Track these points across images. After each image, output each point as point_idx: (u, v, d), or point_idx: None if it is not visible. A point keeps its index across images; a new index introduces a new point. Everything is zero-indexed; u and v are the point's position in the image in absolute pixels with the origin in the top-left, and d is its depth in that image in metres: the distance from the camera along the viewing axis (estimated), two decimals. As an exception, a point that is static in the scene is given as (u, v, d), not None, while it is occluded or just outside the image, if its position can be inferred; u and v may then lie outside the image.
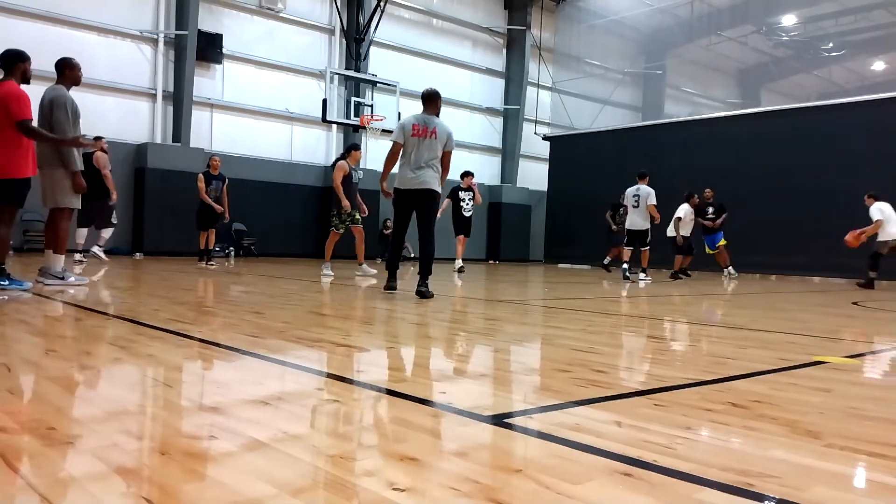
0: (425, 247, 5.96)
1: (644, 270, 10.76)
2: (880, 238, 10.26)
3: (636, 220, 10.45)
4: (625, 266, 10.78)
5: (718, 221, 12.45)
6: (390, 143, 5.96)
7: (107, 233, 10.19)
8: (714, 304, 6.89)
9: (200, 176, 10.33)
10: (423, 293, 5.72)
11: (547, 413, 1.92)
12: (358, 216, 8.93)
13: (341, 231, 8.92)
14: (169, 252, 13.78)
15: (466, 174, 11.48)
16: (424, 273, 5.88)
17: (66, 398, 1.97)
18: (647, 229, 10.47)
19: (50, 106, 5.45)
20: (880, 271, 10.44)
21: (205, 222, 10.41)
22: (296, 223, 16.37)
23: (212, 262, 10.60)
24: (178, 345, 2.93)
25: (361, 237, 9.13)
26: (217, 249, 14.64)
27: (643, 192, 10.35)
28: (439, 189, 5.93)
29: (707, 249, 12.75)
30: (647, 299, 7.20)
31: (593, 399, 2.10)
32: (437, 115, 5.99)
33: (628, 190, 10.62)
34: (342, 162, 8.82)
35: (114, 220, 10.20)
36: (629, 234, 10.72)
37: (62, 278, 5.71)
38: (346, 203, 8.63)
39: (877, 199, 10.43)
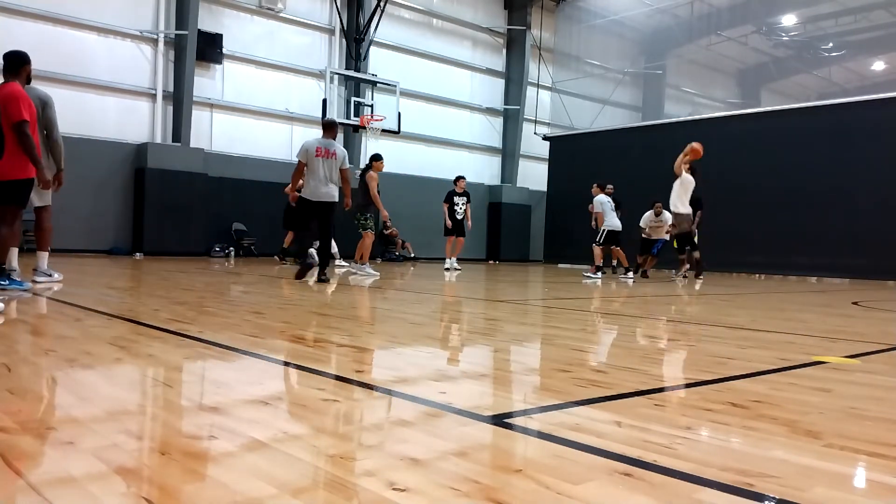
0: (329, 245, 7.45)
1: (628, 269, 11.47)
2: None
3: (618, 222, 11.37)
4: (600, 266, 11.22)
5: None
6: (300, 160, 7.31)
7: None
8: (713, 305, 6.89)
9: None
10: (327, 279, 7.29)
11: (547, 413, 1.92)
12: (370, 220, 9.61)
13: (372, 231, 9.64)
14: (169, 252, 13.78)
15: (460, 178, 12.18)
16: (326, 264, 7.44)
17: (66, 398, 1.97)
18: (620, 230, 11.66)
19: (42, 106, 5.50)
20: (878, 270, 10.40)
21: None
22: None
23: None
24: (178, 345, 2.93)
25: (370, 239, 9.84)
26: (218, 249, 14.68)
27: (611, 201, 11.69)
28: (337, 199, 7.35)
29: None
30: (647, 299, 7.20)
31: (593, 399, 2.10)
32: (334, 139, 7.39)
33: (602, 197, 11.45)
34: (373, 172, 9.46)
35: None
36: (610, 234, 11.35)
37: (50, 275, 5.87)
38: (384, 213, 9.28)
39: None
